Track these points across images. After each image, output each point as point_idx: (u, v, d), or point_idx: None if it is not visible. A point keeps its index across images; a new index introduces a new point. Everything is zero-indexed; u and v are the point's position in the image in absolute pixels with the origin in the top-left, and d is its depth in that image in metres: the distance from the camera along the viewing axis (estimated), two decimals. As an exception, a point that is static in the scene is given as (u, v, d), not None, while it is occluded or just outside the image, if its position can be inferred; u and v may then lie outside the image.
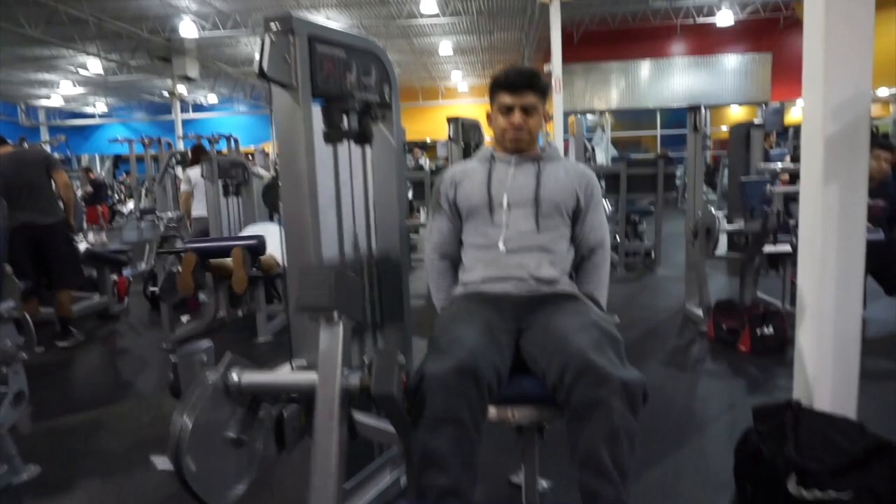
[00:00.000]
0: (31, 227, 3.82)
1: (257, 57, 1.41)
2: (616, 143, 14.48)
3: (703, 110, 4.03)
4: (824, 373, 1.89)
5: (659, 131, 16.75)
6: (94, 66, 14.79)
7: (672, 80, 15.35)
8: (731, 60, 15.37)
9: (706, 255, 3.95)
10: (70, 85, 17.80)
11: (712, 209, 3.97)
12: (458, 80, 19.51)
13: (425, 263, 1.80)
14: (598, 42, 14.92)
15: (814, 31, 1.76)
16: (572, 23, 13.88)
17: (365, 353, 1.75)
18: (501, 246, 1.60)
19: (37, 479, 2.27)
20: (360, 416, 1.55)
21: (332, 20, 11.57)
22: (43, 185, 3.99)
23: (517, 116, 1.62)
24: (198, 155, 5.38)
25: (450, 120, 4.21)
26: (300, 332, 1.56)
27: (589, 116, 15.50)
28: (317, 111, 1.66)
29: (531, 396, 1.33)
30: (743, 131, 6.22)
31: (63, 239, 4.06)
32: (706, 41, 14.94)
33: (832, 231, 1.76)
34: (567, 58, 10.37)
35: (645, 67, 15.67)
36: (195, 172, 5.07)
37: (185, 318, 4.49)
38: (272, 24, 1.46)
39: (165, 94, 17.77)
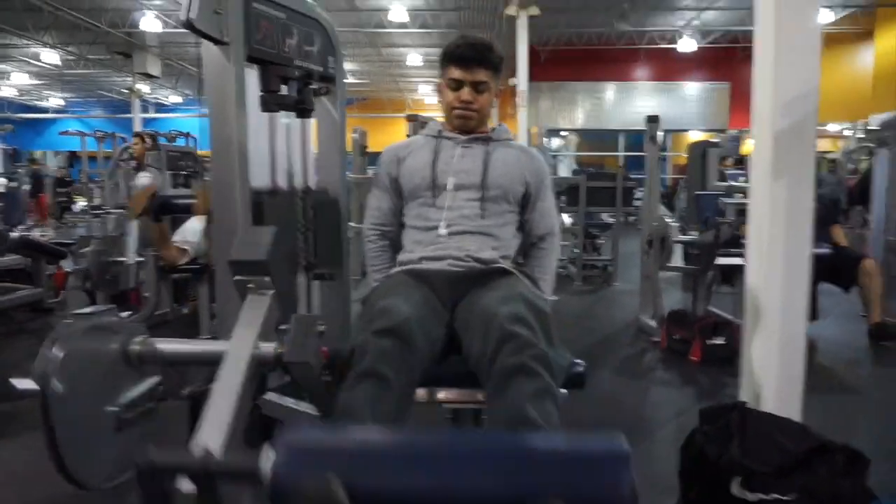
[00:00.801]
0: None
1: (184, 5, 1.31)
2: (580, 162, 14.71)
3: (659, 120, 4.06)
4: (770, 373, 1.86)
5: (622, 153, 17.08)
6: (48, 56, 14.26)
7: (635, 102, 15.70)
8: (692, 87, 15.84)
9: (660, 266, 3.96)
10: (24, 76, 17.15)
11: (668, 220, 3.99)
12: (427, 93, 19.55)
13: (363, 240, 1.71)
14: (564, 62, 15.17)
15: (765, 27, 1.76)
16: (539, 41, 14.07)
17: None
18: (443, 230, 1.51)
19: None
20: (273, 398, 1.45)
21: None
22: None
23: (466, 93, 1.55)
24: (154, 143, 5.19)
25: (409, 118, 4.14)
26: (225, 316, 1.44)
27: (554, 142, 15.69)
28: (254, 78, 1.56)
29: (462, 377, 1.24)
30: (700, 149, 6.33)
31: None
32: (668, 67, 15.36)
33: (780, 224, 1.75)
34: (534, 76, 10.50)
35: (610, 89, 16.01)
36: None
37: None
38: (203, -26, 1.36)
39: (125, 91, 17.29)
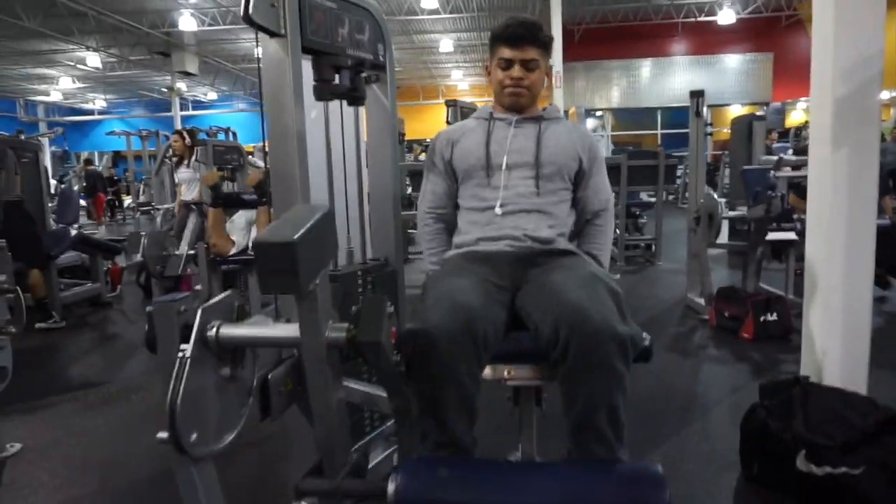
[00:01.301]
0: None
1: (242, 1, 1.34)
2: (616, 142, 14.45)
3: (704, 94, 3.96)
4: (834, 347, 1.82)
5: (660, 130, 16.70)
6: (92, 60, 14.72)
7: (673, 79, 15.31)
8: (733, 60, 15.33)
9: (708, 242, 3.88)
10: (69, 80, 17.75)
11: (714, 195, 3.91)
12: (459, 78, 19.46)
13: (418, 226, 1.72)
14: (599, 41, 14.88)
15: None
16: (573, 21, 13.83)
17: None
18: (498, 209, 1.52)
19: (18, 454, 2.20)
20: (351, 384, 1.49)
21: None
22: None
23: (517, 70, 1.55)
24: (193, 139, 5.32)
25: (448, 103, 4.15)
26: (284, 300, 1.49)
27: (589, 122, 15.43)
28: (308, 69, 1.60)
29: (528, 354, 1.26)
30: (745, 124, 6.17)
31: (23, 218, 4.04)
32: (707, 40, 14.90)
33: (842, 197, 1.70)
34: (568, 56, 10.36)
35: (646, 66, 15.65)
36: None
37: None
38: (260, -32, 1.39)
39: (164, 90, 17.72)
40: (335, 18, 1.58)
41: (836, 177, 1.71)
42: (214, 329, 1.15)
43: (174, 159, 5.53)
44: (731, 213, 3.83)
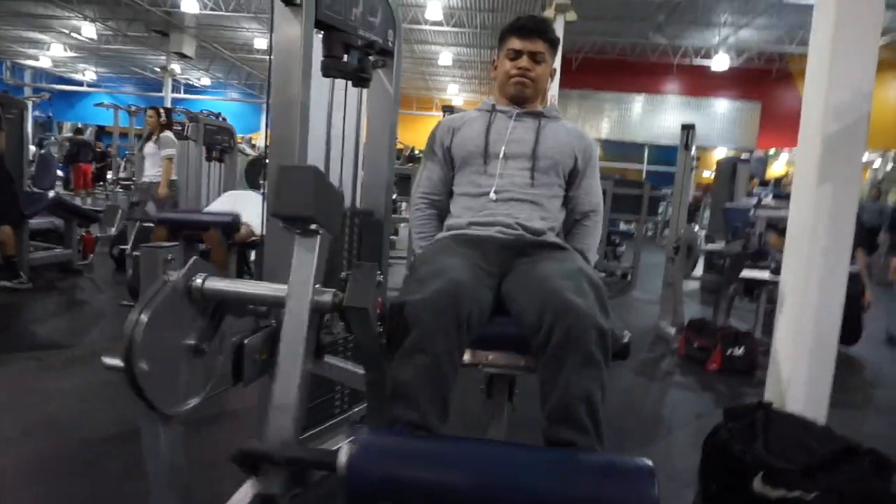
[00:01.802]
0: None
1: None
2: (602, 172, 14.66)
3: (694, 129, 4.06)
4: (799, 375, 1.87)
5: (645, 166, 17.00)
6: (87, 30, 14.50)
7: (663, 116, 15.64)
8: (722, 105, 15.73)
9: (685, 273, 3.96)
10: (60, 48, 17.44)
11: (695, 227, 3.99)
12: (455, 93, 19.60)
13: (410, 210, 1.72)
14: (595, 71, 15.15)
15: (822, 28, 1.76)
16: (572, 48, 14.08)
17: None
18: (493, 195, 1.54)
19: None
20: (329, 359, 1.48)
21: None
22: None
23: (524, 60, 1.58)
24: (168, 118, 5.28)
25: (445, 108, 4.18)
26: (273, 260, 1.49)
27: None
28: (317, 45, 1.61)
29: (509, 339, 1.27)
30: (730, 165, 6.33)
31: None
32: (700, 83, 15.27)
33: (821, 228, 1.75)
34: (564, 83, 10.51)
35: (638, 102, 15.96)
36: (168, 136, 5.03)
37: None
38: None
39: (158, 69, 17.52)
40: (350, -3, 1.60)
41: (818, 209, 1.77)
42: (201, 280, 1.15)
43: (144, 134, 5.43)
44: (710, 246, 3.91)
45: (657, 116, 15.79)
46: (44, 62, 19.67)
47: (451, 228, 1.56)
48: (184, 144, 4.55)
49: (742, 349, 3.48)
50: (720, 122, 15.70)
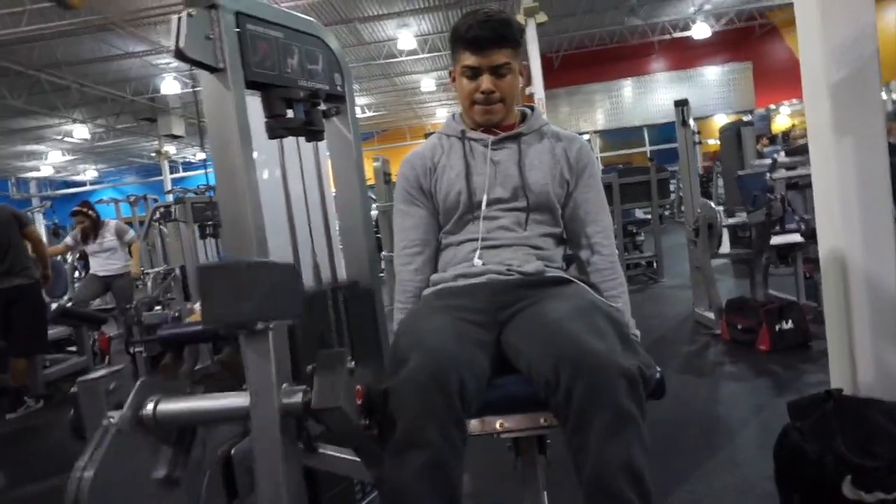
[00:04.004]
0: (1, 290, 3.62)
1: (172, 34, 1.22)
2: (606, 163, 14.45)
3: (688, 103, 3.87)
4: (864, 352, 1.64)
5: (648, 148, 16.72)
6: (79, 132, 14.80)
7: (655, 95, 15.39)
8: (713, 72, 15.44)
9: (711, 253, 3.73)
10: (58, 154, 17.85)
11: (711, 204, 3.77)
12: (444, 116, 19.59)
13: (396, 272, 1.47)
14: (578, 65, 15.00)
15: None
16: (551, 49, 13.96)
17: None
18: (480, 244, 1.34)
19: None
20: (329, 450, 1.31)
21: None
22: (11, 245, 3.78)
23: (486, 81, 1.32)
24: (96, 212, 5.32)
25: (427, 136, 4.03)
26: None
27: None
28: (258, 103, 1.48)
29: (521, 400, 1.07)
30: (734, 131, 6.10)
31: (31, 303, 3.82)
32: (685, 55, 15.03)
33: (852, 188, 1.55)
34: (549, 83, 10.36)
35: (627, 86, 15.75)
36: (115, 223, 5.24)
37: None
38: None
39: (153, 154, 17.80)
40: (282, 49, 1.47)
41: (842, 168, 1.57)
42: (152, 406, 0.99)
43: (82, 233, 5.29)
44: (731, 221, 3.68)
45: (650, 97, 15.55)
46: (45, 170, 20.14)
47: (434, 283, 1.37)
48: (175, 227, 4.48)
49: (790, 322, 3.23)
50: (714, 89, 15.40)
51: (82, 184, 22.12)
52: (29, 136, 15.45)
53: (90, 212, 5.29)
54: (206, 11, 1.27)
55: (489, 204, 1.35)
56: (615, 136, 16.82)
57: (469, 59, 1.33)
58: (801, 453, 1.57)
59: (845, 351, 1.69)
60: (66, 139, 15.89)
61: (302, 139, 1.61)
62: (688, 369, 3.16)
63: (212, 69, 1.30)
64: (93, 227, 5.19)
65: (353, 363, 0.93)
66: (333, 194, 1.80)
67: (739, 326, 3.42)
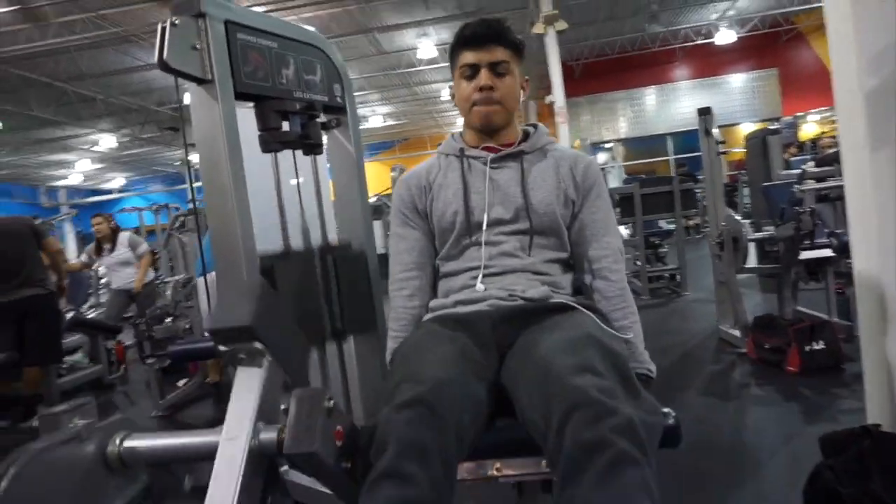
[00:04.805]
0: (15, 301, 3.62)
1: (157, 45, 1.16)
2: (629, 172, 14.26)
3: (712, 112, 3.74)
4: (905, 384, 1.51)
5: (672, 156, 16.47)
6: (106, 141, 15.09)
7: (679, 104, 15.15)
8: (738, 79, 15.15)
9: (736, 268, 3.58)
10: (87, 162, 18.21)
11: (737, 216, 3.62)
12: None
13: (390, 297, 1.38)
14: (599, 74, 14.85)
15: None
16: (571, 57, 13.84)
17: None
18: (481, 270, 1.25)
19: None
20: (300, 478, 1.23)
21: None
22: (26, 257, 3.78)
23: (484, 77, 1.26)
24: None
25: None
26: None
27: (600, 156, 15.30)
28: (251, 115, 1.41)
29: (521, 442, 0.97)
30: (760, 140, 5.90)
31: (46, 314, 3.81)
32: (709, 62, 14.78)
33: (889, 204, 1.43)
34: (570, 92, 10.24)
35: (650, 94, 15.54)
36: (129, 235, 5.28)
37: (181, 383, 4.20)
38: (177, 7, 1.21)
39: (177, 163, 18.06)
40: (277, 58, 1.40)
41: (878, 179, 1.45)
42: (118, 441, 0.92)
43: (96, 244, 5.30)
44: (758, 235, 3.53)
45: (673, 104, 15.31)
46: (74, 179, 20.55)
47: (433, 310, 1.28)
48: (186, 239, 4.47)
49: (821, 342, 3.07)
50: (739, 96, 15.10)
51: (109, 192, 22.53)
52: (57, 146, 15.77)
53: (111, 221, 5.34)
54: (192, 20, 1.21)
55: (490, 225, 1.27)
56: (638, 145, 16.59)
57: (467, 57, 1.29)
58: (835, 495, 1.45)
59: (884, 380, 1.56)
60: (93, 148, 16.21)
61: (299, 152, 1.54)
62: (711, 391, 3.02)
63: (199, 80, 1.24)
64: (110, 236, 5.21)
65: (331, 402, 0.84)
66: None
67: (767, 345, 3.26)
